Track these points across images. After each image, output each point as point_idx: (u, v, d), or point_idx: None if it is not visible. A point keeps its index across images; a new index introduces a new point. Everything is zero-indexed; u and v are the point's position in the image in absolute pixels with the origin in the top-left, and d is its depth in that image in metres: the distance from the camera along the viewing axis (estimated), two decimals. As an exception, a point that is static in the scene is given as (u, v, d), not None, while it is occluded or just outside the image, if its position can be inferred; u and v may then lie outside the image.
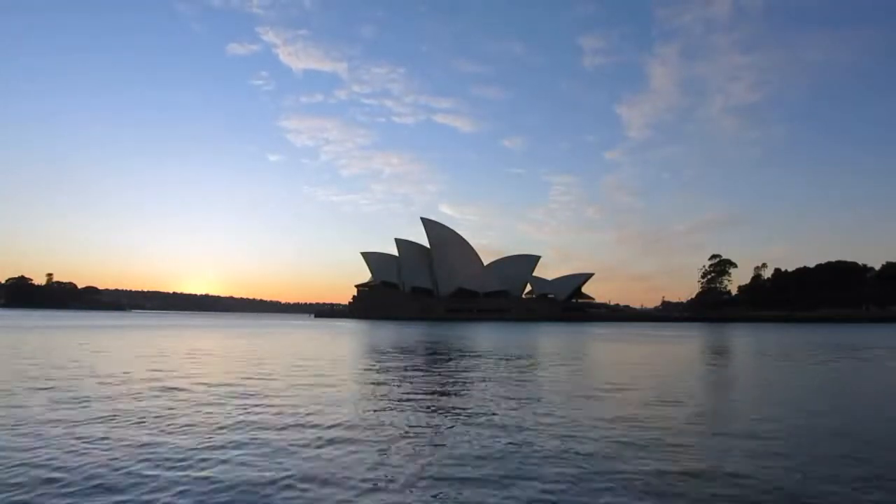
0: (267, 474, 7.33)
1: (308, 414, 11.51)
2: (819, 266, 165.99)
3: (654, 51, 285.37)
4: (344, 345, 38.92)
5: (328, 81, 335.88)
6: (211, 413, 11.55)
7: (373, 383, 17.22)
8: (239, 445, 8.82)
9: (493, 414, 11.80)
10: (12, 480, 7.00)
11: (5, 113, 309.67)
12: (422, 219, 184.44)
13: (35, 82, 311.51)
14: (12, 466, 7.57)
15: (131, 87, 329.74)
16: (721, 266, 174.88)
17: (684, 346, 42.10)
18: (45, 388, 14.66)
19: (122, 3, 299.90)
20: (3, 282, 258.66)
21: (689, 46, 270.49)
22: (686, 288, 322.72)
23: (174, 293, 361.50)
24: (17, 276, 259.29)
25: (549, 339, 47.69)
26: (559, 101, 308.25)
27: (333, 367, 22.50)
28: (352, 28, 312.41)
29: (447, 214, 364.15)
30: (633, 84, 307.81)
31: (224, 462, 7.88)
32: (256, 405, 12.55)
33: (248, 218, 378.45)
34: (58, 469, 7.49)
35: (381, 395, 14.42)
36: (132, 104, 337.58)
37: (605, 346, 39.99)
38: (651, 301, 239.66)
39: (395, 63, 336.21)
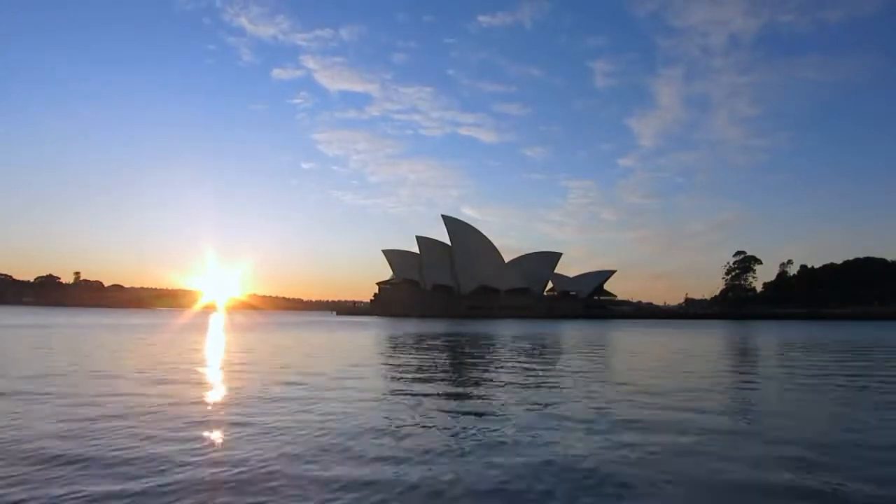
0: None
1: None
2: (846, 262, 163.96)
3: (658, 73, 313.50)
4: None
5: (361, 100, 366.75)
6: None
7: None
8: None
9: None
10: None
11: (52, 117, 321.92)
12: (443, 216, 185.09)
13: (87, 94, 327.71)
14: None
15: (174, 102, 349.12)
16: (745, 263, 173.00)
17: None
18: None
19: (179, 36, 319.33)
20: (31, 280, 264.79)
21: (691, 69, 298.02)
22: (708, 285, 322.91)
23: (198, 290, 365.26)
24: (45, 274, 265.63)
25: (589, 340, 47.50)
26: (575, 117, 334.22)
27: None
28: (385, 56, 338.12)
29: (469, 215, 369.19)
30: (642, 101, 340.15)
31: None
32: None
33: (273, 219, 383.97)
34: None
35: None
36: (173, 117, 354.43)
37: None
38: (673, 298, 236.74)
39: (423, 84, 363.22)
